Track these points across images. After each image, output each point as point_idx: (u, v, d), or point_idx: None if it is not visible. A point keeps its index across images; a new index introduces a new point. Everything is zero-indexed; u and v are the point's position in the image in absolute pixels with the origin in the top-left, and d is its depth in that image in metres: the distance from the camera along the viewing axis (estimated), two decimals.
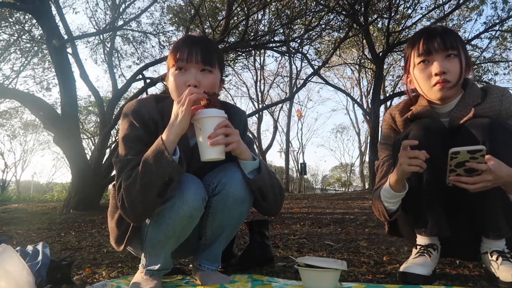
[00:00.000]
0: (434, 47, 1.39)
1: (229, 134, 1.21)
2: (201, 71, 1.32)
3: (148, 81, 7.08)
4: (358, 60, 14.90)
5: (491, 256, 1.33)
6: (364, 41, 10.80)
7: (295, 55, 9.91)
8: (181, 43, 1.34)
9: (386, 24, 9.45)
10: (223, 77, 1.47)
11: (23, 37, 9.58)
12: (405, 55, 1.51)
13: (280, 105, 21.33)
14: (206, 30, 7.90)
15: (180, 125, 1.19)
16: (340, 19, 9.54)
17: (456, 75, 1.39)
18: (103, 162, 6.40)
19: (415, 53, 1.44)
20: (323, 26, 9.18)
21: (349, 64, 17.43)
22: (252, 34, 8.55)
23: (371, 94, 14.03)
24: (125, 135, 1.31)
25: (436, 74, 1.38)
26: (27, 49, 10.36)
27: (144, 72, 7.07)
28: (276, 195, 1.38)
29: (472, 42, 9.87)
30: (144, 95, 1.65)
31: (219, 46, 6.91)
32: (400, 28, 9.96)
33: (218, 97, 1.28)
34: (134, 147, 1.27)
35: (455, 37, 1.41)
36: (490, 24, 9.39)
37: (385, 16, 9.44)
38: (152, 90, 9.26)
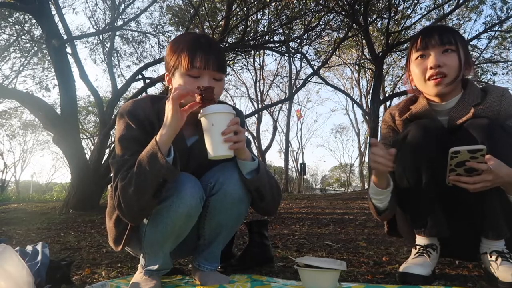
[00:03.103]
0: (431, 42, 1.41)
1: (238, 132, 1.20)
2: (213, 79, 1.30)
3: (147, 81, 7.09)
4: (357, 60, 14.89)
5: (491, 257, 1.33)
6: (364, 41, 10.80)
7: (295, 55, 9.92)
8: (195, 47, 1.28)
9: (386, 24, 9.44)
10: None
11: (23, 37, 9.58)
12: (407, 54, 1.54)
13: (280, 105, 21.30)
14: (206, 30, 7.90)
15: (170, 125, 1.18)
16: (339, 19, 9.54)
17: (454, 70, 1.39)
18: (103, 162, 6.40)
19: (413, 49, 1.47)
20: (323, 26, 9.18)
21: (348, 65, 17.43)
22: (252, 34, 8.55)
23: (370, 94, 14.03)
24: (121, 136, 1.31)
25: (431, 68, 1.40)
26: (27, 49, 10.35)
27: (143, 72, 7.08)
28: (274, 196, 1.38)
29: (472, 43, 9.88)
30: (143, 95, 1.65)
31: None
32: (400, 29, 9.96)
33: (212, 90, 1.22)
34: (130, 147, 1.27)
35: (453, 33, 1.42)
36: (490, 25, 9.40)
37: (384, 16, 9.44)
38: (152, 90, 9.28)
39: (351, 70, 20.64)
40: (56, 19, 6.46)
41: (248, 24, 8.21)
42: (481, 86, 1.49)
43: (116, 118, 1.39)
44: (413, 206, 1.43)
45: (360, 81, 21.71)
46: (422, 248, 1.44)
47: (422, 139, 1.36)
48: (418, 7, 9.71)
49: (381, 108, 12.23)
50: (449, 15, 9.84)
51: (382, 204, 1.45)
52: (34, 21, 8.15)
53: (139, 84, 8.28)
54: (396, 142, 1.48)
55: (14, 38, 9.56)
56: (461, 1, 8.54)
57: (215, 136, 1.17)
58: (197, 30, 8.27)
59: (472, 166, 1.22)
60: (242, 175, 1.31)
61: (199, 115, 1.21)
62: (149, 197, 1.17)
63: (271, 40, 8.82)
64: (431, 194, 1.38)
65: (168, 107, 1.18)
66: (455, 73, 1.40)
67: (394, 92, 15.06)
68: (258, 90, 20.05)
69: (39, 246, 1.40)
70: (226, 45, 7.94)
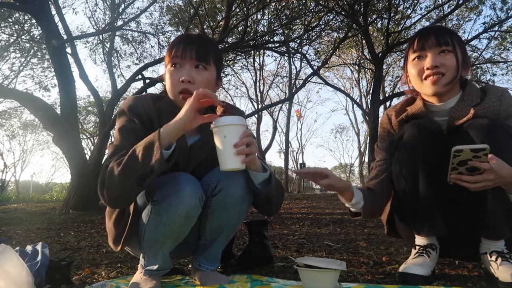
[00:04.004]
0: (427, 43, 1.41)
1: (250, 144, 1.17)
2: (195, 68, 1.32)
3: (147, 81, 7.09)
4: (357, 60, 14.89)
5: (490, 257, 1.33)
6: (364, 41, 10.80)
7: (295, 55, 9.92)
8: (178, 41, 1.35)
9: (386, 25, 9.45)
10: (221, 76, 1.48)
11: (23, 37, 9.57)
12: (405, 55, 1.54)
13: (280, 105, 21.27)
14: (206, 30, 7.91)
15: (180, 120, 1.15)
16: (339, 20, 9.54)
17: (451, 70, 1.39)
18: (102, 162, 6.39)
19: (410, 50, 1.47)
20: (323, 26, 9.18)
21: (348, 65, 17.41)
22: (252, 34, 8.55)
23: (370, 94, 14.04)
24: (121, 127, 1.32)
25: (427, 69, 1.40)
26: (27, 49, 10.35)
27: (143, 72, 7.08)
28: (279, 198, 1.40)
29: (472, 43, 9.89)
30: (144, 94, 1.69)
31: (219, 46, 6.91)
32: (400, 29, 9.96)
33: (235, 109, 1.23)
34: (129, 138, 1.27)
35: (450, 34, 1.42)
36: (490, 25, 9.40)
37: (384, 16, 9.44)
38: (152, 91, 9.28)
39: (351, 70, 20.61)
40: (56, 19, 6.46)
41: (248, 24, 8.20)
42: (480, 87, 1.49)
43: (116, 117, 1.39)
44: (410, 206, 1.43)
45: (360, 81, 21.69)
46: (421, 248, 1.44)
47: (417, 138, 1.37)
48: (418, 7, 9.72)
49: (381, 108, 12.21)
50: (449, 16, 9.84)
51: (354, 208, 1.51)
52: (34, 21, 8.15)
53: (139, 84, 8.29)
54: (392, 142, 1.48)
55: (14, 38, 9.56)
56: (460, 2, 8.54)
57: (228, 149, 1.14)
58: (197, 30, 8.28)
59: (474, 165, 1.21)
60: (251, 182, 1.31)
61: (211, 126, 1.18)
62: (132, 183, 1.15)
63: (271, 40, 8.81)
64: (429, 194, 1.37)
65: (188, 102, 1.15)
66: (453, 73, 1.40)
67: (394, 92, 15.07)
68: (258, 90, 20.01)
69: (39, 246, 1.40)
70: (226, 45, 7.94)
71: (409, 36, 9.95)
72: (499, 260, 1.30)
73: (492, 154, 1.23)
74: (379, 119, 9.41)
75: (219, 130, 1.16)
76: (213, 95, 1.17)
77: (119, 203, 1.27)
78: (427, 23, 10.21)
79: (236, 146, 1.14)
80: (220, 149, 1.16)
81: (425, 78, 1.42)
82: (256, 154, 1.25)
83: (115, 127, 1.41)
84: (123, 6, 8.79)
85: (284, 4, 8.25)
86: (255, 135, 20.17)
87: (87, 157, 6.67)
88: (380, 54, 10.16)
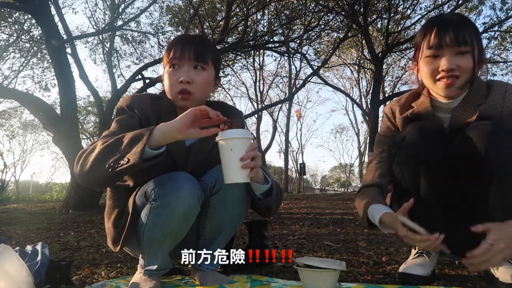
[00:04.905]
0: (445, 41, 1.28)
1: (255, 158, 1.15)
2: (194, 68, 1.33)
3: (147, 81, 7.10)
4: (357, 60, 14.89)
5: None
6: (364, 41, 10.80)
7: (295, 56, 9.91)
8: (176, 41, 1.36)
9: (386, 25, 9.45)
10: (220, 76, 1.48)
11: (22, 37, 9.57)
12: (416, 43, 1.42)
13: (280, 105, 21.28)
14: (206, 31, 7.91)
15: (177, 120, 1.14)
16: (339, 20, 9.55)
17: (466, 72, 1.31)
18: None
19: (425, 44, 1.34)
20: (322, 26, 9.18)
21: (348, 65, 17.41)
22: (252, 34, 8.55)
23: (370, 94, 14.04)
24: (120, 119, 1.34)
25: (443, 71, 1.31)
26: (26, 49, 10.35)
27: (143, 72, 7.08)
28: (278, 204, 1.41)
29: None
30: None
31: (218, 46, 6.92)
32: (400, 29, 9.96)
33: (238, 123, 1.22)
34: (126, 129, 1.27)
35: (469, 30, 1.31)
36: (490, 25, 9.40)
37: (384, 16, 9.44)
38: (152, 90, 9.28)
39: (351, 70, 20.63)
40: (56, 19, 6.46)
41: (248, 24, 8.20)
42: (486, 81, 1.42)
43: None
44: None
45: (360, 81, 21.70)
46: (421, 248, 1.44)
47: (419, 139, 1.34)
48: (418, 7, 9.73)
49: (381, 108, 12.21)
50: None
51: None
52: (33, 21, 8.15)
53: (139, 84, 8.28)
54: (394, 143, 1.47)
55: (14, 38, 9.56)
56: (460, 2, 8.54)
57: (233, 162, 1.13)
58: (197, 30, 8.28)
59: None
60: (252, 192, 1.31)
61: (217, 138, 1.16)
62: (104, 165, 1.12)
63: (271, 40, 8.82)
64: (430, 194, 1.36)
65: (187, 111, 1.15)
66: (468, 75, 1.33)
67: (394, 92, 15.08)
68: (258, 90, 20.00)
69: (38, 246, 1.40)
70: (226, 45, 7.95)
71: (409, 36, 9.94)
72: None
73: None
74: (379, 119, 9.40)
75: (225, 143, 1.14)
76: (217, 114, 1.16)
77: (84, 180, 1.21)
78: None
79: (242, 160, 1.12)
80: (225, 162, 1.15)
81: (439, 80, 1.34)
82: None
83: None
84: (123, 6, 8.80)
85: (284, 4, 8.25)
86: (255, 135, 20.27)
87: None
88: (380, 54, 10.17)
